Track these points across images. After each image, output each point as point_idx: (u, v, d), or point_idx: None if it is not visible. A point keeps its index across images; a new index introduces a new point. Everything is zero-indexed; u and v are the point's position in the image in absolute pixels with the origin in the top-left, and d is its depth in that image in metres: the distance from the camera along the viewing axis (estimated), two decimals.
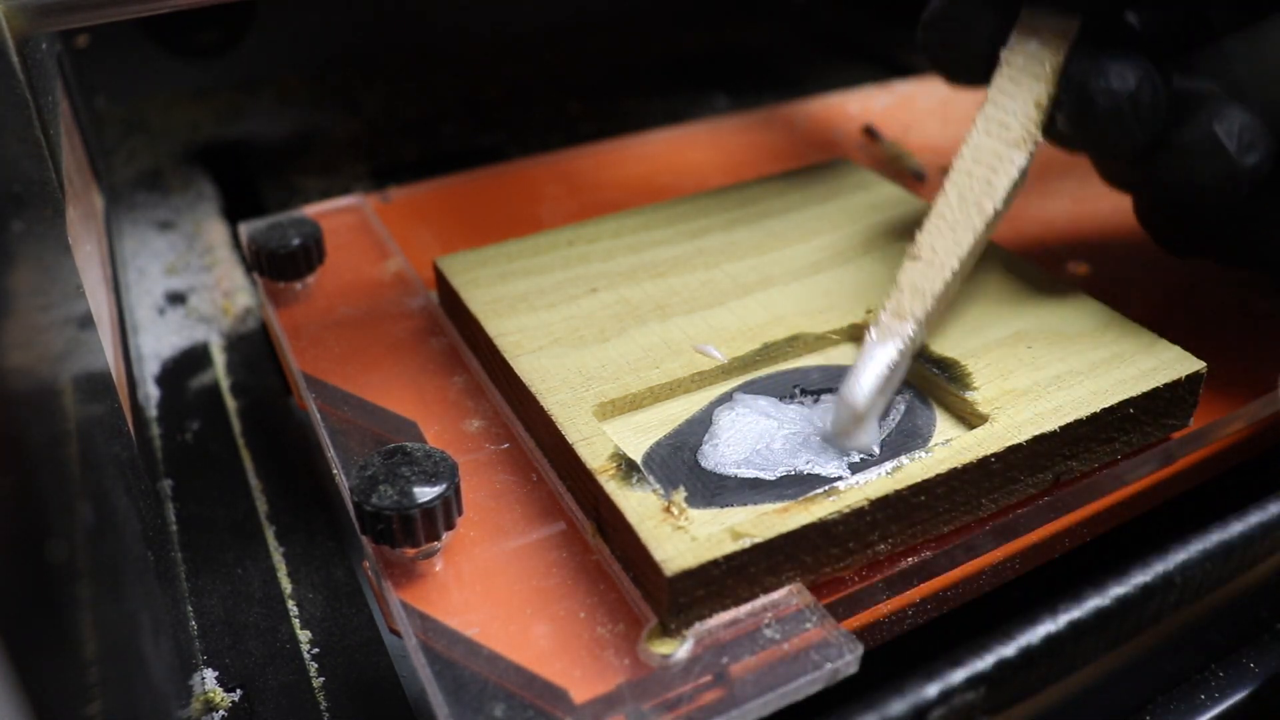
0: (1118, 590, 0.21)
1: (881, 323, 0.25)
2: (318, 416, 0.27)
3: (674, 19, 0.67)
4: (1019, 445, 0.24)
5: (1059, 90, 0.27)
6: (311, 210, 0.37)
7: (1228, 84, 0.26)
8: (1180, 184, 0.26)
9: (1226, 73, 0.26)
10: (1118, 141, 0.26)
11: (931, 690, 0.19)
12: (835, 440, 0.24)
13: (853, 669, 0.21)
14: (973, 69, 0.29)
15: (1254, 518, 0.23)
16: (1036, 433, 0.24)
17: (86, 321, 0.23)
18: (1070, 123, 0.26)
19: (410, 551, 0.23)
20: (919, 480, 0.22)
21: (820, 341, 0.28)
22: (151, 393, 0.35)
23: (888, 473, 0.23)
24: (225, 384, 0.35)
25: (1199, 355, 0.26)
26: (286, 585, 0.28)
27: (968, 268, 0.27)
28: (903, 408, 0.26)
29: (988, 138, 0.27)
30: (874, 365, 0.24)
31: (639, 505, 0.22)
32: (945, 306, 0.27)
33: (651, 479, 0.23)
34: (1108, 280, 0.33)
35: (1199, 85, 0.27)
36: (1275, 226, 0.27)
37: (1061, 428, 0.24)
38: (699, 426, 0.25)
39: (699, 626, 0.21)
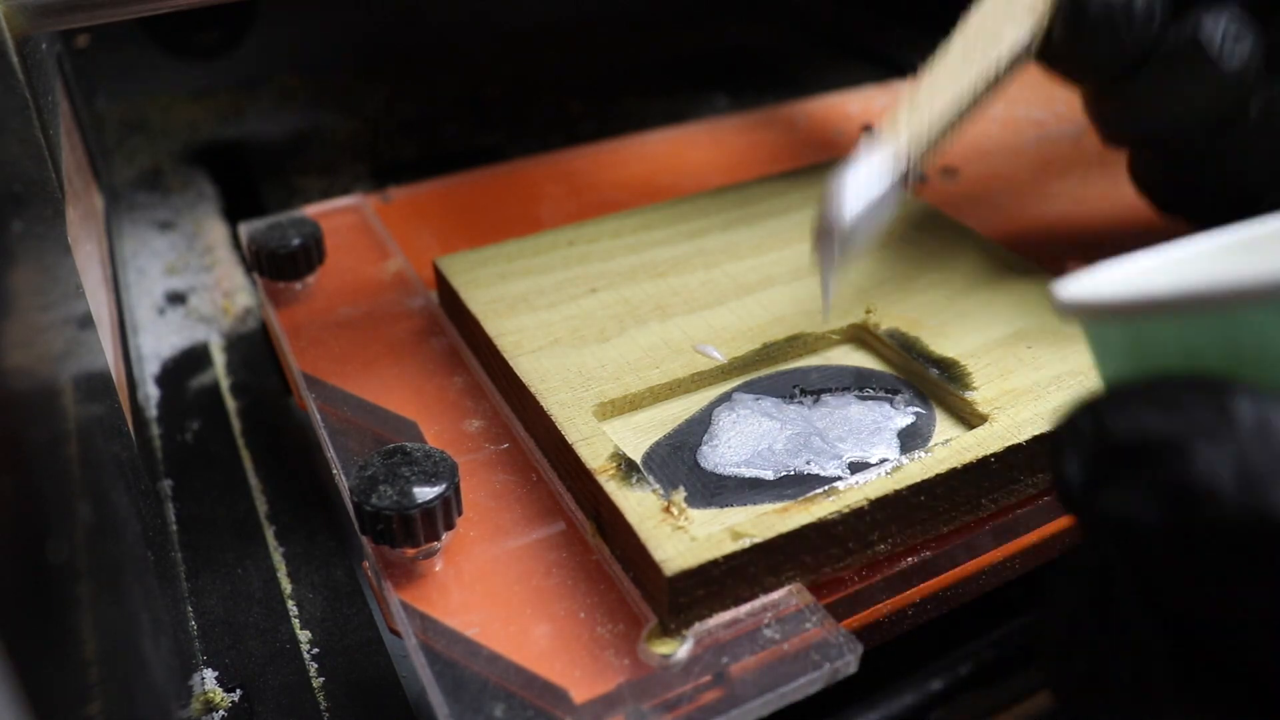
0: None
1: (876, 137, 0.25)
2: (318, 416, 0.27)
3: (674, 19, 0.67)
4: (1019, 445, 0.24)
5: None
6: (311, 210, 0.37)
7: None
8: (1165, 102, 0.26)
9: None
10: (1105, 52, 0.26)
11: (932, 690, 0.19)
12: (816, 250, 0.24)
13: (852, 669, 0.21)
14: None
15: None
16: (1036, 432, 0.24)
17: (86, 321, 0.23)
18: (1063, 28, 0.26)
19: (410, 551, 0.23)
20: (919, 480, 0.22)
21: (820, 341, 0.28)
22: (151, 393, 0.35)
23: (887, 473, 0.23)
24: (225, 384, 0.35)
25: None
26: (286, 585, 0.28)
27: (967, 109, 0.26)
28: (904, 409, 0.26)
29: (997, 3, 0.27)
30: (864, 177, 0.24)
31: (639, 505, 0.22)
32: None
33: (651, 479, 0.23)
34: None
35: None
36: (1260, 163, 0.27)
37: None
38: (699, 427, 0.25)
39: (699, 626, 0.21)
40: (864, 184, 0.23)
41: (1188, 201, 0.30)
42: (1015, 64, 0.27)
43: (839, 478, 0.23)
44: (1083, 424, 0.15)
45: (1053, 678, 0.16)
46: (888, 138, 0.25)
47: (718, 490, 0.23)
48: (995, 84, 0.26)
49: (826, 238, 0.23)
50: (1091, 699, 0.15)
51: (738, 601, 0.22)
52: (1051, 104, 0.46)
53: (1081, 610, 0.16)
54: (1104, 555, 0.15)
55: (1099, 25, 0.26)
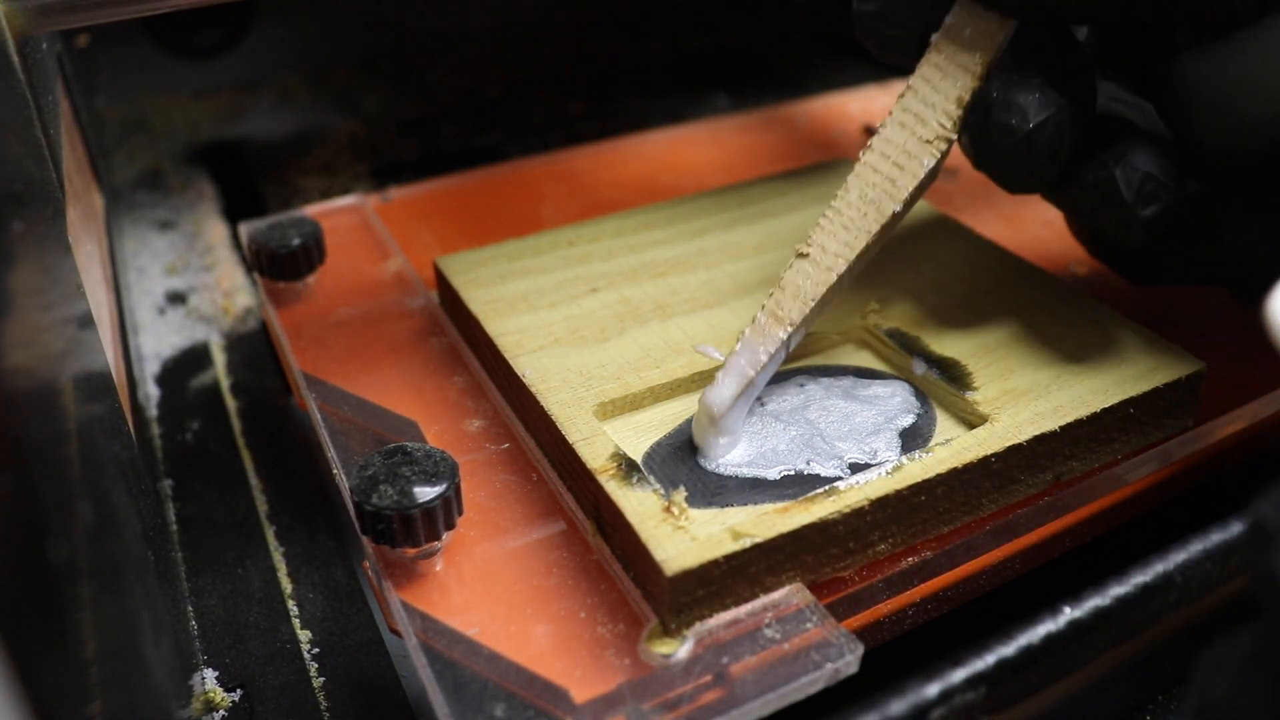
0: (1118, 590, 0.21)
1: (757, 323, 0.24)
2: (318, 416, 0.27)
3: (674, 19, 0.67)
4: (1019, 445, 0.24)
5: (970, 106, 0.25)
6: (312, 210, 0.37)
7: (1168, 103, 0.24)
8: (1084, 221, 0.26)
9: (1168, 92, 0.24)
10: (1011, 180, 0.25)
11: (932, 690, 0.19)
12: (696, 440, 0.24)
13: (853, 669, 0.21)
14: (904, 49, 0.26)
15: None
16: (1037, 433, 0.24)
17: (87, 321, 0.23)
18: (970, 148, 0.25)
19: (410, 551, 0.23)
20: (919, 480, 0.22)
21: (820, 341, 0.28)
22: (152, 392, 0.35)
23: (888, 473, 0.23)
24: (225, 384, 0.35)
25: (1199, 355, 0.26)
26: (287, 585, 0.28)
27: (858, 269, 0.25)
28: (904, 409, 0.26)
29: (900, 130, 0.25)
30: (740, 368, 0.24)
31: (639, 505, 0.22)
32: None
33: (652, 479, 0.23)
34: (1107, 280, 0.33)
35: (1124, 111, 0.25)
36: (1193, 255, 0.27)
37: (1062, 428, 0.24)
38: None
39: (699, 626, 0.21)
40: (742, 371, 0.24)
41: (1121, 268, 0.30)
42: (917, 198, 0.25)
43: (840, 478, 0.23)
44: None
45: None
46: (773, 315, 0.24)
47: (718, 490, 0.23)
48: (895, 223, 0.25)
49: (703, 417, 0.24)
50: None
51: (738, 601, 0.22)
52: None
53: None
54: None
55: (1000, 157, 0.24)
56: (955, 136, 0.25)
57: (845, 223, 0.25)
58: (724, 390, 0.23)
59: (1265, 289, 0.26)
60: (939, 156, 0.25)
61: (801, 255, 0.25)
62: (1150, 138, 0.24)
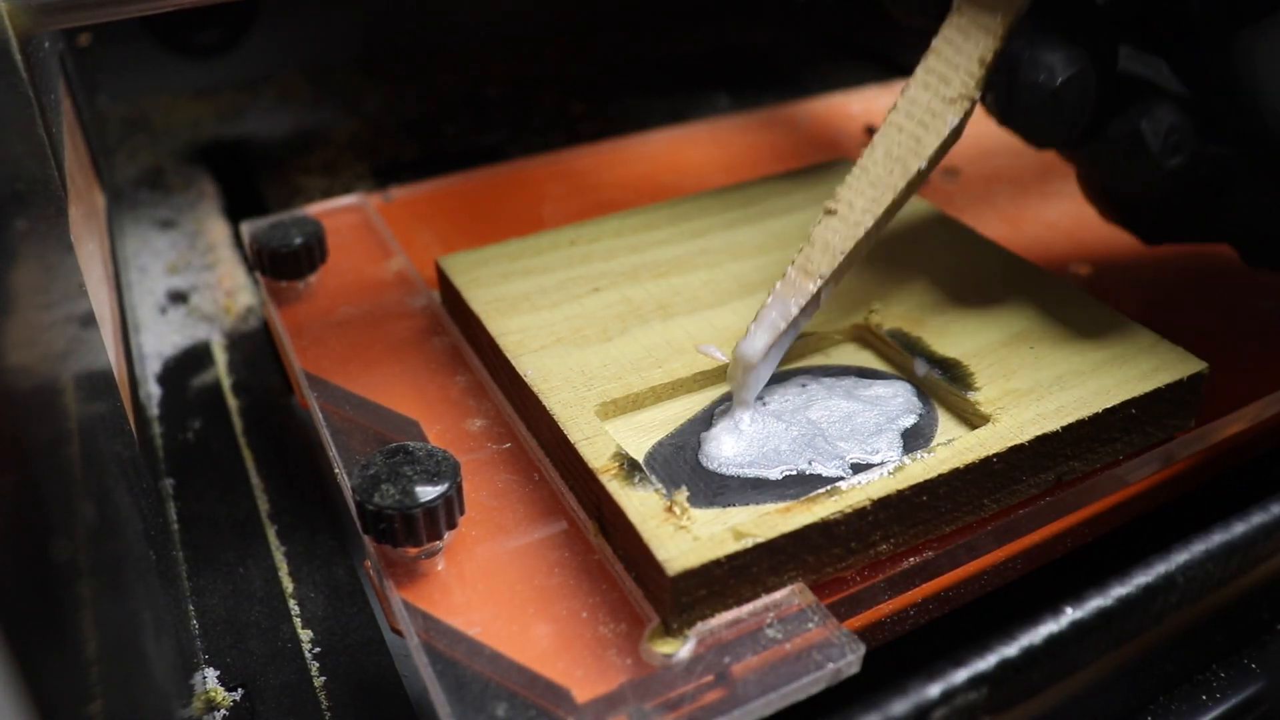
0: (1120, 590, 0.21)
1: (788, 277, 0.25)
2: (319, 415, 0.27)
3: (674, 19, 0.67)
4: (1021, 445, 0.24)
5: (993, 66, 0.26)
6: (313, 209, 0.37)
7: (1223, 77, 0.25)
8: (1106, 175, 0.26)
9: (1225, 67, 0.25)
10: (1039, 135, 0.26)
11: (934, 690, 0.19)
12: (730, 387, 0.25)
13: (855, 669, 0.21)
14: (925, 8, 0.27)
15: (1256, 518, 0.23)
16: (1039, 433, 0.24)
17: (88, 320, 0.23)
18: (996, 106, 0.26)
19: (412, 551, 0.23)
20: (921, 480, 0.22)
21: (821, 341, 0.28)
22: (153, 391, 0.35)
23: (890, 473, 0.23)
24: (227, 383, 0.35)
25: (1200, 355, 0.26)
26: (288, 584, 0.28)
27: (885, 225, 0.26)
28: (905, 409, 0.26)
29: (924, 91, 0.26)
30: (772, 320, 0.25)
31: (641, 505, 0.22)
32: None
33: (654, 479, 0.23)
34: (1109, 280, 0.33)
35: (1145, 71, 0.26)
36: (1207, 215, 0.27)
37: (1064, 428, 0.24)
38: (701, 426, 0.25)
39: (701, 626, 0.21)
40: (776, 322, 0.25)
41: (1134, 223, 0.30)
42: (942, 155, 0.26)
43: (841, 478, 0.23)
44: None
45: None
46: (804, 269, 0.25)
47: (720, 490, 0.23)
48: (921, 181, 0.26)
49: (737, 368, 0.25)
50: None
51: (740, 601, 0.22)
52: None
53: None
54: None
55: (1029, 114, 0.25)
56: (979, 95, 0.25)
57: (872, 179, 0.26)
58: (757, 341, 0.24)
59: (1277, 255, 0.27)
60: (963, 115, 0.25)
61: (830, 212, 0.26)
62: (1171, 94, 0.25)
